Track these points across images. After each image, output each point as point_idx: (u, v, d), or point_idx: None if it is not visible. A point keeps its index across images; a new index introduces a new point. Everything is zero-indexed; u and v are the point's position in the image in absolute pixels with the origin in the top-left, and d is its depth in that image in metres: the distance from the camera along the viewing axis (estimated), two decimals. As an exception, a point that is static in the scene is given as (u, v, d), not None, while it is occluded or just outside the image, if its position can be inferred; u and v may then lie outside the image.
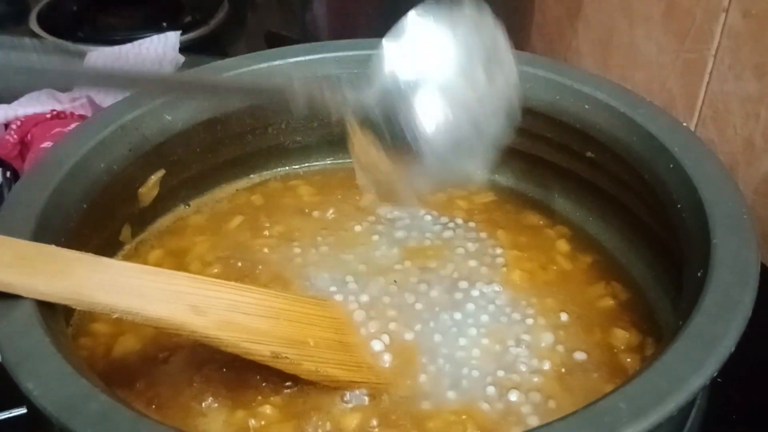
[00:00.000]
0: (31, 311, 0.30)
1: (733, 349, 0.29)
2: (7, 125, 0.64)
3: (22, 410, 0.39)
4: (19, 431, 0.39)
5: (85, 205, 0.39)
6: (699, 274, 0.32)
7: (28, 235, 0.34)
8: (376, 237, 0.46)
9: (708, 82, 0.58)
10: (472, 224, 0.47)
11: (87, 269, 0.32)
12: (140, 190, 0.45)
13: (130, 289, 0.32)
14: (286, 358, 0.34)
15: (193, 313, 0.33)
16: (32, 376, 0.28)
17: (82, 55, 0.73)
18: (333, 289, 0.42)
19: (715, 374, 0.28)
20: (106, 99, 0.66)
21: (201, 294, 0.34)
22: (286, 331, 0.36)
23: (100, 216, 0.41)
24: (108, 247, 0.44)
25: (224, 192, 0.50)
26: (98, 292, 0.31)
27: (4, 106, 0.65)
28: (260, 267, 0.44)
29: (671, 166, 0.38)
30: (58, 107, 0.65)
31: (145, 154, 0.43)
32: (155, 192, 0.46)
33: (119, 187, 0.42)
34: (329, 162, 0.52)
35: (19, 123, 0.64)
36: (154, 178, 0.45)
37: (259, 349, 0.34)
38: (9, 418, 0.39)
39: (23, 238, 0.34)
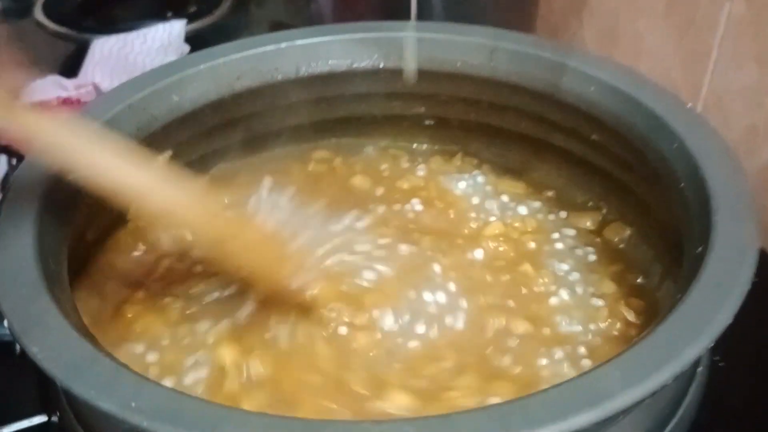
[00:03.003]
0: (37, 278, 0.31)
1: (730, 321, 0.29)
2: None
3: (43, 418, 0.39)
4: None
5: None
6: (698, 250, 0.32)
7: (33, 212, 0.35)
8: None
9: (711, 72, 0.59)
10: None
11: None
12: None
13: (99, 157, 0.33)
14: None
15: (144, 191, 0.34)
16: (37, 341, 0.29)
17: (87, 44, 0.73)
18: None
19: (711, 344, 0.28)
20: (112, 85, 0.67)
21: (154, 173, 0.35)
22: (220, 227, 0.37)
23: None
24: (115, 225, 0.44)
25: (231, 170, 0.50)
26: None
27: (12, 94, 0.66)
28: None
29: (674, 145, 0.38)
30: (64, 94, 0.66)
31: (152, 134, 0.44)
32: None
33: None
34: (340, 141, 0.53)
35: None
36: (161, 158, 0.46)
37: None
38: (30, 427, 0.39)
39: (28, 216, 0.34)
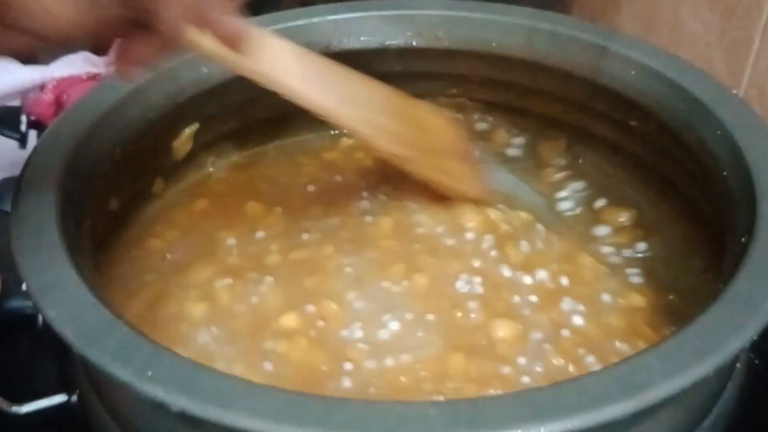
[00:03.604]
0: (57, 243, 0.30)
1: (775, 314, 0.27)
2: (43, 87, 0.64)
3: (63, 397, 0.39)
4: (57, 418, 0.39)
5: (118, 150, 0.39)
6: (743, 239, 0.31)
7: (57, 173, 0.34)
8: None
9: (754, 61, 0.57)
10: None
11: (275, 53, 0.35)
12: (174, 143, 0.44)
13: (303, 74, 0.36)
14: (414, 160, 0.39)
15: (346, 105, 0.37)
16: (55, 305, 0.28)
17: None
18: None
19: (755, 337, 0.27)
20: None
21: (350, 88, 0.38)
22: (414, 137, 0.40)
23: (134, 163, 0.41)
24: (140, 198, 0.43)
25: (258, 150, 0.49)
26: (282, 74, 0.35)
27: (41, 67, 0.65)
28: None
29: (718, 132, 0.36)
30: (94, 70, 0.65)
31: (180, 104, 0.43)
32: (189, 146, 0.45)
33: (153, 137, 0.42)
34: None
35: (55, 83, 0.64)
36: (188, 131, 0.45)
37: (396, 148, 0.39)
38: (50, 405, 0.39)
39: (52, 176, 0.34)
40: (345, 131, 0.40)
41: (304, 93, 0.36)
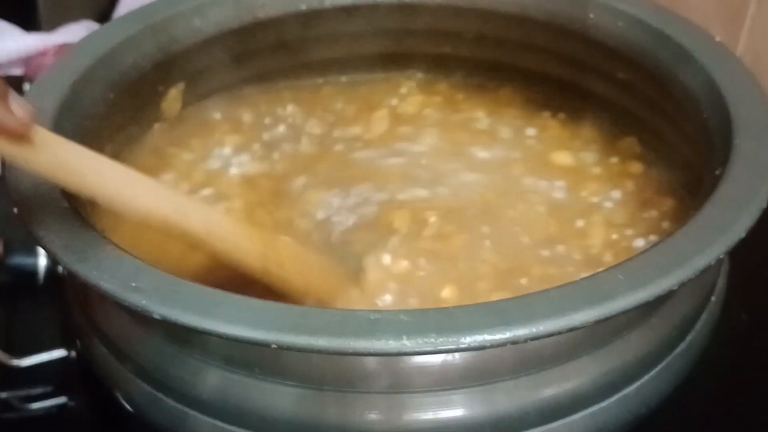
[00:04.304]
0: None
1: (743, 235, 0.28)
2: (45, 53, 0.66)
3: (62, 352, 0.40)
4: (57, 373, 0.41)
5: (111, 95, 0.40)
6: (717, 172, 0.32)
7: (51, 111, 0.35)
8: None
9: (749, 26, 0.57)
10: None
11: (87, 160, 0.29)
12: (162, 104, 0.45)
13: (121, 183, 0.30)
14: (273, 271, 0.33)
15: (179, 215, 0.31)
16: (43, 226, 0.29)
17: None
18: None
19: (721, 256, 0.28)
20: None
21: (184, 202, 0.33)
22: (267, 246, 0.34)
23: (127, 109, 0.42)
24: (134, 142, 0.44)
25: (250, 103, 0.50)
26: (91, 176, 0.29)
27: (44, 34, 0.67)
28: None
29: (699, 76, 0.37)
30: (96, 37, 0.66)
31: (172, 56, 0.44)
32: (178, 106, 0.46)
33: (146, 86, 0.43)
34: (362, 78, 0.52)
35: (57, 49, 0.65)
36: (175, 91, 0.45)
37: (250, 258, 0.32)
38: (48, 360, 0.41)
39: (46, 114, 0.35)
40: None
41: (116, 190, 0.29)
